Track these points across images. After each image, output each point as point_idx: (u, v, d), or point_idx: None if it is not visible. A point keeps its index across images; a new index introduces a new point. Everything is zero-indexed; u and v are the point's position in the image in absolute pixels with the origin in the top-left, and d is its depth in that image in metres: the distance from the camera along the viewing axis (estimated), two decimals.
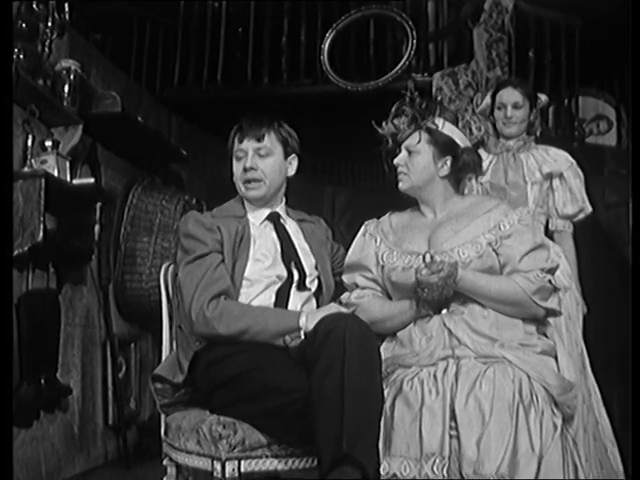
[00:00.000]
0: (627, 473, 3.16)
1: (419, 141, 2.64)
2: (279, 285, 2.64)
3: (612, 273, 4.70)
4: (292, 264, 2.67)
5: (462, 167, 2.67)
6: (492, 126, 3.59)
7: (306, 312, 2.52)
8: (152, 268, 4.57)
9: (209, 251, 2.59)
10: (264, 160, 2.68)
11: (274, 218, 2.76)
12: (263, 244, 2.68)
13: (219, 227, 2.63)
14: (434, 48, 5.76)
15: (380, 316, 2.58)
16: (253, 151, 2.67)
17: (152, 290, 4.45)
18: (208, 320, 2.47)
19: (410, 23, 5.52)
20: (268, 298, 2.63)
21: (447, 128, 2.66)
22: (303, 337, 2.43)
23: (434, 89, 5.14)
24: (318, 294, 2.75)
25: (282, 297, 2.64)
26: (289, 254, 2.69)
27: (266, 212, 2.76)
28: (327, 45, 5.63)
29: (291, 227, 2.80)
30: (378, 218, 2.81)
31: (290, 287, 2.66)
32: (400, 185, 2.68)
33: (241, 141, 2.68)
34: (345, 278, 2.75)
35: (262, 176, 2.68)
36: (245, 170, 2.67)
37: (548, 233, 3.47)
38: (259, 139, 2.67)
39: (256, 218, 2.75)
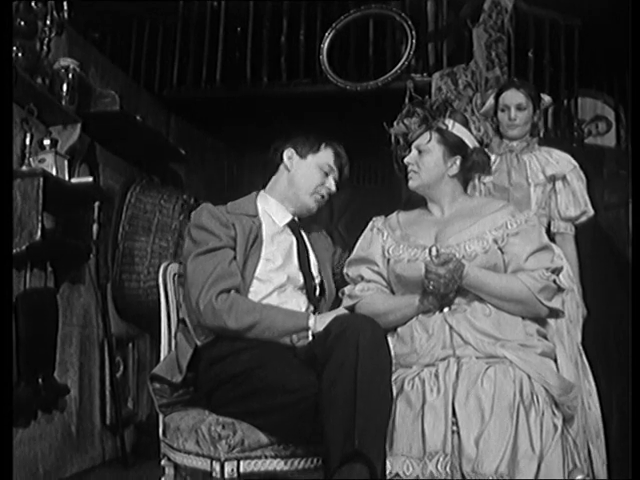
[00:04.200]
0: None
1: (429, 140, 2.68)
2: (304, 290, 2.70)
3: (612, 274, 4.69)
4: (308, 270, 2.71)
5: (471, 166, 2.71)
6: (495, 127, 3.57)
7: (315, 314, 2.55)
8: (150, 267, 4.56)
9: (222, 245, 2.59)
10: None
11: (294, 223, 2.79)
12: (275, 245, 2.69)
13: (234, 224, 2.64)
14: (433, 48, 5.74)
15: (383, 309, 2.59)
16: None
17: (150, 290, 4.44)
18: (217, 312, 2.47)
19: (409, 23, 5.51)
20: (277, 298, 2.63)
21: (457, 129, 2.70)
22: (311, 338, 2.43)
23: (433, 89, 5.14)
24: (320, 299, 2.76)
25: (314, 301, 2.71)
26: (304, 260, 2.73)
27: (290, 216, 2.78)
28: (326, 45, 5.61)
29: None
30: (385, 216, 2.83)
31: (315, 291, 2.72)
32: (410, 183, 2.72)
33: None
34: (350, 271, 2.75)
35: None
36: None
37: (550, 235, 3.46)
38: None
39: (280, 219, 2.76)
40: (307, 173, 2.77)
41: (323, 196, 2.78)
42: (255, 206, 2.77)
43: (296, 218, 2.81)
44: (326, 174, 2.78)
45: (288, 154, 2.79)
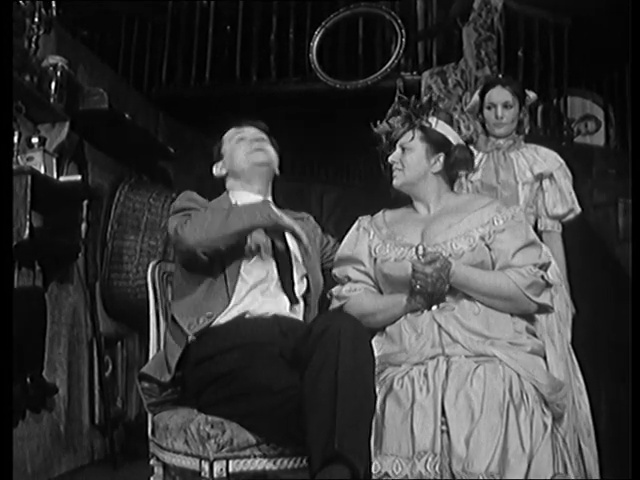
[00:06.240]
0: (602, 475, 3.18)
1: (412, 138, 2.68)
2: (278, 283, 2.65)
3: (601, 273, 4.70)
4: (288, 261, 2.67)
5: (454, 163, 2.71)
6: (481, 125, 3.57)
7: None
8: (139, 266, 4.54)
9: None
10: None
11: None
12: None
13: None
14: (423, 47, 5.76)
15: (372, 309, 2.60)
16: None
17: (139, 288, 4.42)
18: (182, 225, 2.49)
19: (399, 22, 5.52)
20: (260, 297, 2.60)
21: (440, 126, 2.70)
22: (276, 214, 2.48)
23: (423, 88, 5.15)
24: (306, 292, 2.73)
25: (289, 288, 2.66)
26: (282, 251, 2.68)
27: (259, 197, 2.74)
28: (316, 43, 5.63)
29: None
30: (372, 215, 2.82)
31: (293, 284, 2.67)
32: (394, 181, 2.72)
33: None
34: (337, 271, 2.76)
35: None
36: None
37: (537, 233, 3.45)
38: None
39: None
40: (233, 155, 2.79)
41: (259, 148, 2.77)
42: (229, 202, 2.75)
43: (269, 198, 2.78)
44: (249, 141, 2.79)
45: (215, 171, 2.84)
